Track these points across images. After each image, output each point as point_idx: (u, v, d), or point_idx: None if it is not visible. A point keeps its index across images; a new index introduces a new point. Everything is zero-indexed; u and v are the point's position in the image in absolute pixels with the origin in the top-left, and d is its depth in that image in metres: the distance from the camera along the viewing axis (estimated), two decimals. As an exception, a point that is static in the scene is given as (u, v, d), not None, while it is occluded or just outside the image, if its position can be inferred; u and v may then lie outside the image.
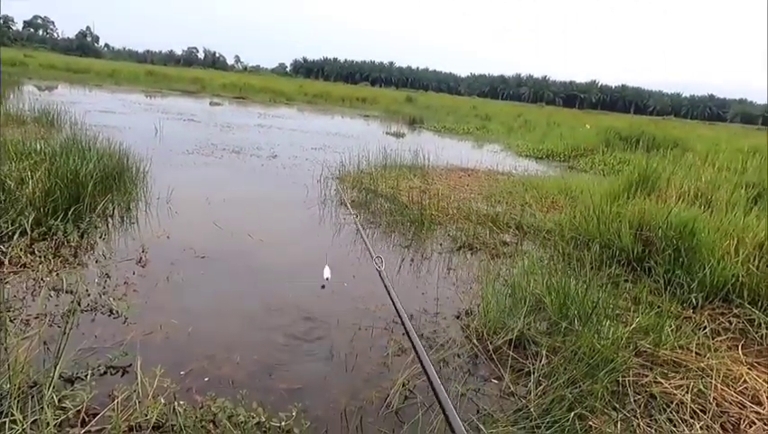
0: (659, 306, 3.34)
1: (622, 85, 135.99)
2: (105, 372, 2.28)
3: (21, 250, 3.39)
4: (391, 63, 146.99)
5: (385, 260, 4.26)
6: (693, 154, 9.49)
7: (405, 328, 1.59)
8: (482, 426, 2.12)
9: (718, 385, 2.51)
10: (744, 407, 2.39)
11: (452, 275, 4.01)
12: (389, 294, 1.81)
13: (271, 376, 2.42)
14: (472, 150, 13.38)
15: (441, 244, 4.76)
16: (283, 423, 2.04)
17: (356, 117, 22.08)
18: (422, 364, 1.37)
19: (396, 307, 1.72)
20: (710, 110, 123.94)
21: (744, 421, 2.28)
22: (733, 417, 2.32)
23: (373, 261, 2.17)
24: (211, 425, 2.01)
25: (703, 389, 2.46)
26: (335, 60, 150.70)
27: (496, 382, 2.54)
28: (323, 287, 3.31)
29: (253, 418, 2.06)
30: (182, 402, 2.06)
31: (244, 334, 2.82)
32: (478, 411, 2.27)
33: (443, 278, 3.92)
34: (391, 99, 34.05)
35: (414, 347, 1.47)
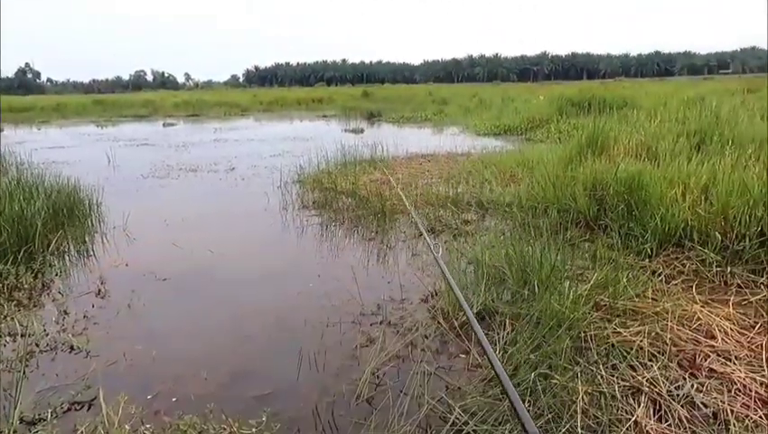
0: (614, 260, 3.44)
1: (572, 53, 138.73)
2: (68, 409, 2.24)
3: (-29, 299, 3.28)
4: (344, 61, 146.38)
5: (350, 255, 4.27)
6: (641, 111, 9.74)
7: (468, 317, 1.88)
8: (450, 401, 2.16)
9: (674, 326, 2.61)
10: (699, 343, 2.49)
11: (416, 260, 4.04)
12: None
13: (240, 386, 2.42)
14: (431, 136, 13.47)
15: (404, 232, 4.80)
16: (254, 430, 2.04)
17: (314, 119, 21.96)
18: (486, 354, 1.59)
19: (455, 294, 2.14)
20: (658, 66, 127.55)
21: (699, 356, 2.38)
22: (688, 354, 2.41)
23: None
24: (182, 443, 2.00)
25: (660, 332, 2.55)
26: (287, 64, 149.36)
27: (464, 356, 2.58)
28: None
29: (224, 429, 2.05)
30: (148, 426, 2.04)
31: (210, 350, 2.80)
32: (447, 387, 2.31)
33: (408, 265, 3.96)
34: (348, 96, 33.93)
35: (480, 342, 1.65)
